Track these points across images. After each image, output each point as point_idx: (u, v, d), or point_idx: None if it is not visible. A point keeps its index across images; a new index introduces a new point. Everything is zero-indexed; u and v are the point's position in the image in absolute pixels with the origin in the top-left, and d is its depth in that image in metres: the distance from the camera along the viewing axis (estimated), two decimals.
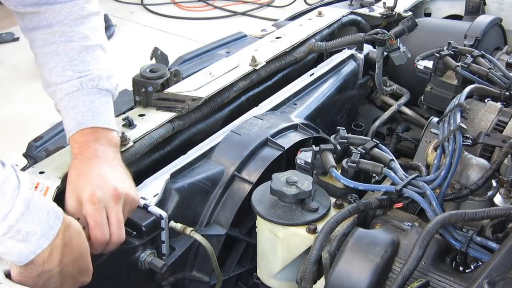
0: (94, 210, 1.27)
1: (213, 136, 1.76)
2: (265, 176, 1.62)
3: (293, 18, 2.60)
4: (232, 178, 1.63)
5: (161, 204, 1.48)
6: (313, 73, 2.16)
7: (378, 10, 2.60)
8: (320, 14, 2.46)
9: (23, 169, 1.49)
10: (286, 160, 1.77)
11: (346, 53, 2.30)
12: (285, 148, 1.72)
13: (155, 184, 1.52)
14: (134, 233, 1.37)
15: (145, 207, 1.41)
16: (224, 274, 1.62)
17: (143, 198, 1.43)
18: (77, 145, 1.38)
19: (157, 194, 1.48)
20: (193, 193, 1.57)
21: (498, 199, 1.40)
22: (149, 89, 1.75)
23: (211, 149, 1.69)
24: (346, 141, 1.50)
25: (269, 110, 1.93)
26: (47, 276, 1.14)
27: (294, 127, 1.84)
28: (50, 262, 1.12)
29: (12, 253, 1.07)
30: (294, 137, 1.79)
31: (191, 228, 1.46)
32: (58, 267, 1.14)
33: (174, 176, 1.55)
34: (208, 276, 1.59)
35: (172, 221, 1.47)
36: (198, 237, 1.46)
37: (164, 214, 1.41)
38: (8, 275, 1.15)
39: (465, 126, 1.50)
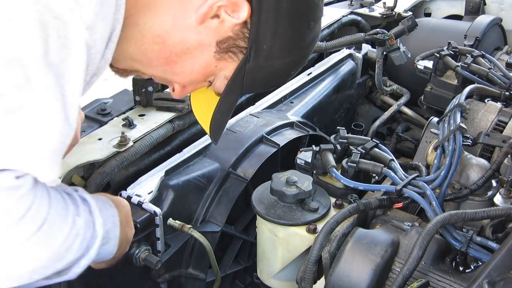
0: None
1: None
2: (260, 173, 1.62)
3: None
4: (227, 175, 1.64)
5: (156, 201, 1.48)
6: (310, 72, 2.16)
7: (378, 10, 2.60)
8: None
9: None
10: (281, 158, 1.77)
11: (344, 52, 2.30)
12: (280, 146, 1.72)
13: (150, 181, 1.52)
14: None
15: (139, 204, 1.41)
16: (221, 271, 1.63)
17: (138, 195, 1.43)
18: None
19: (152, 192, 1.48)
20: (188, 190, 1.57)
21: (498, 199, 1.40)
22: (149, 89, 1.75)
23: (206, 147, 1.69)
24: (346, 141, 1.50)
25: (265, 108, 1.93)
26: (127, 241, 1.23)
27: (290, 125, 1.84)
28: (123, 234, 1.18)
29: (104, 256, 1.12)
30: (289, 135, 1.80)
31: (189, 226, 1.47)
32: (126, 230, 1.21)
33: (169, 173, 1.55)
34: (204, 273, 1.60)
35: (170, 219, 1.47)
36: (196, 234, 1.46)
37: (158, 211, 1.41)
38: None
39: (465, 126, 1.50)
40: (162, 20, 1.01)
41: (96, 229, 1.06)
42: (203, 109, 1.28)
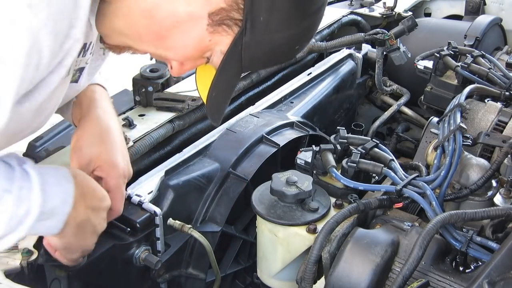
0: (123, 185, 1.32)
1: (209, 134, 1.76)
2: (260, 173, 1.62)
3: None
4: (227, 175, 1.63)
5: (156, 201, 1.48)
6: (310, 72, 2.16)
7: (378, 10, 2.60)
8: None
9: None
10: (281, 158, 1.77)
11: (344, 52, 2.30)
12: (280, 145, 1.72)
13: (150, 181, 1.52)
14: (128, 229, 1.37)
15: (139, 204, 1.41)
16: (221, 271, 1.62)
17: (138, 195, 1.43)
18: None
19: (152, 192, 1.48)
20: (188, 190, 1.57)
21: (498, 199, 1.40)
22: (149, 89, 1.75)
23: (207, 147, 1.69)
24: (346, 141, 1.50)
25: (265, 108, 1.93)
26: (83, 224, 1.17)
27: (290, 125, 1.84)
28: (79, 213, 1.14)
29: (42, 231, 1.09)
30: (289, 135, 1.80)
31: (189, 226, 1.47)
32: (86, 211, 1.17)
33: (169, 173, 1.55)
34: (204, 273, 1.60)
35: (170, 219, 1.47)
36: (196, 234, 1.46)
37: (158, 210, 1.41)
38: (8, 275, 1.15)
39: (465, 126, 1.50)
40: None
41: (31, 207, 1.02)
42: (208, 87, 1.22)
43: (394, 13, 2.56)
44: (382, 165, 1.42)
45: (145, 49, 1.09)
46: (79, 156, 1.29)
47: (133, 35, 1.04)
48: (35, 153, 1.60)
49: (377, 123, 2.33)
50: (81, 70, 1.17)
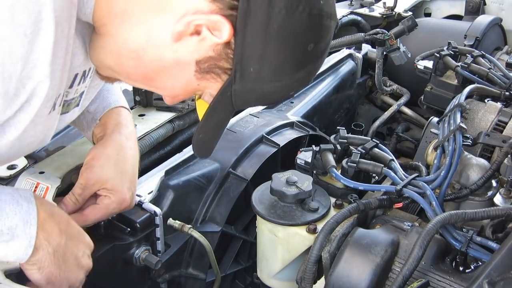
0: (112, 210, 1.31)
1: None
2: (260, 173, 1.62)
3: None
4: (227, 175, 1.64)
5: (156, 201, 1.48)
6: None
7: (378, 10, 2.61)
8: None
9: (23, 169, 1.49)
10: (281, 158, 1.78)
11: (344, 52, 2.31)
12: (280, 146, 1.72)
13: (150, 181, 1.52)
14: (128, 229, 1.38)
15: (139, 204, 1.41)
16: (221, 271, 1.62)
17: (138, 195, 1.43)
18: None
19: (152, 192, 1.48)
20: (188, 190, 1.57)
21: (498, 199, 1.40)
22: None
23: None
24: (346, 141, 1.50)
25: (265, 108, 1.93)
26: (61, 251, 1.10)
27: (290, 125, 1.85)
28: (53, 237, 1.08)
29: (9, 255, 1.04)
30: (289, 135, 1.80)
31: (189, 226, 1.47)
32: (62, 236, 1.10)
33: (169, 173, 1.55)
34: (204, 273, 1.60)
35: (170, 219, 1.47)
36: (196, 234, 1.46)
37: (158, 211, 1.41)
38: (8, 275, 1.15)
39: (465, 126, 1.50)
40: (136, 34, 0.96)
41: None
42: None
43: (394, 13, 2.57)
44: (382, 165, 1.42)
45: (134, 85, 1.10)
46: (89, 174, 1.30)
47: (121, 72, 1.04)
48: (35, 153, 1.60)
49: (377, 123, 2.34)
50: (81, 94, 1.18)
